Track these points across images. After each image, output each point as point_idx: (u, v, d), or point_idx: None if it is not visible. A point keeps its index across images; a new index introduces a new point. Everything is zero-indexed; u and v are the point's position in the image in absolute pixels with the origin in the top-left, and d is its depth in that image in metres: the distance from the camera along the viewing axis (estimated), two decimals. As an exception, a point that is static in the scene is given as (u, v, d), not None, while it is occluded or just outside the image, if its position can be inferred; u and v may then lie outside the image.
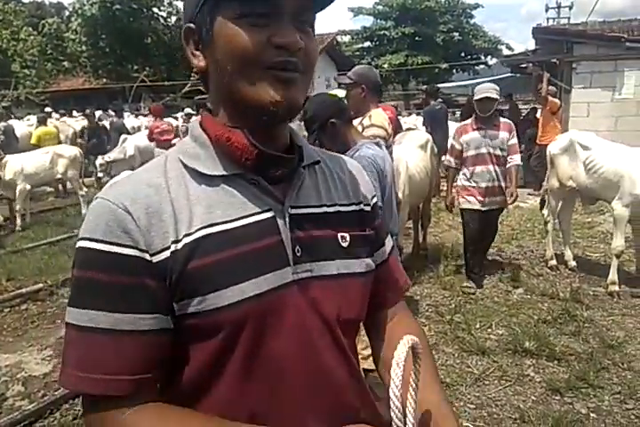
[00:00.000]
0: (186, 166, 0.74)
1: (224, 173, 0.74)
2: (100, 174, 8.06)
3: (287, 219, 0.74)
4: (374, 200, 0.91)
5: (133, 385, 0.68)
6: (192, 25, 0.74)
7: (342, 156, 0.95)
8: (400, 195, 3.70)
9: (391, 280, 0.93)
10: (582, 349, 3.22)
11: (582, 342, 3.32)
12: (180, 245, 0.69)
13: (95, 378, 0.67)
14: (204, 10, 0.71)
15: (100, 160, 8.10)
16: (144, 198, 0.70)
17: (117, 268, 0.68)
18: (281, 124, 0.76)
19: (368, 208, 0.88)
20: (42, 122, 9.56)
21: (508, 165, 4.18)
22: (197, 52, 0.75)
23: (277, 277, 0.72)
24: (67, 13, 24.56)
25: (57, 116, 13.65)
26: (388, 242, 0.95)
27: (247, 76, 0.70)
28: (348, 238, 0.80)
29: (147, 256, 0.68)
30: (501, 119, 4.19)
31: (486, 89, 4.01)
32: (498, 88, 4.06)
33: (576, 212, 5.71)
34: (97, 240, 0.68)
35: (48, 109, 12.60)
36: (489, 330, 3.52)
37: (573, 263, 4.66)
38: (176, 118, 10.55)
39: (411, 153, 4.39)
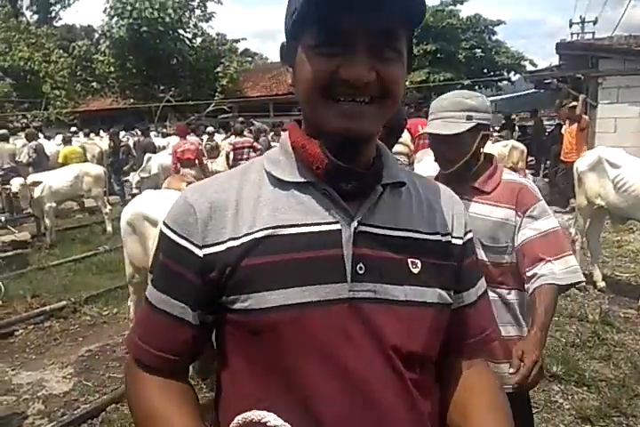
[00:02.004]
0: (266, 171, 0.78)
1: (297, 179, 0.75)
2: (135, 191, 8.16)
3: (353, 234, 0.72)
4: (469, 236, 0.86)
5: (156, 359, 0.77)
6: (285, 43, 0.78)
7: (445, 187, 0.90)
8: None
9: (475, 326, 0.86)
10: (613, 374, 3.09)
11: (613, 367, 3.19)
12: (237, 243, 0.72)
13: (135, 342, 0.79)
14: (291, 32, 0.73)
15: (137, 177, 8.23)
16: (212, 194, 0.76)
17: (170, 253, 0.77)
18: (355, 144, 0.75)
19: (458, 242, 0.83)
20: (67, 142, 9.89)
21: (530, 287, 1.58)
22: (290, 69, 0.76)
23: (330, 290, 0.70)
24: (96, 36, 25.43)
25: (91, 134, 14.03)
26: (481, 285, 0.88)
27: (314, 103, 0.71)
28: (419, 265, 0.76)
29: (196, 250, 0.74)
30: (509, 176, 1.69)
31: (443, 109, 1.65)
32: (485, 101, 1.67)
33: (604, 230, 5.55)
34: (167, 226, 0.78)
35: (73, 129, 12.95)
36: (515, 353, 3.41)
37: (602, 284, 4.52)
38: (202, 139, 10.76)
39: (431, 170, 4.32)
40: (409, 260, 0.75)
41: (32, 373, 3.50)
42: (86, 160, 9.53)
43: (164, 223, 0.78)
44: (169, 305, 0.76)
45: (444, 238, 0.81)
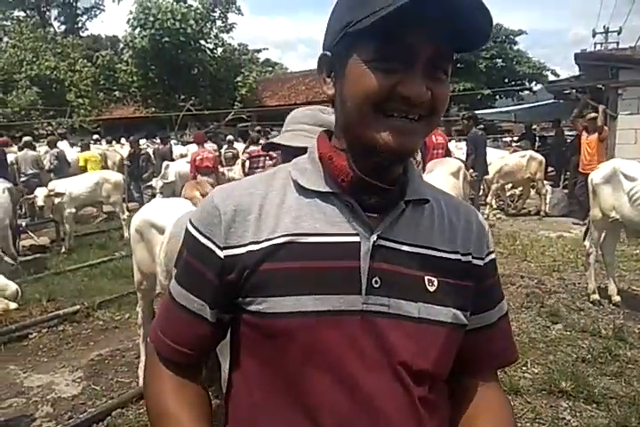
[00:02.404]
0: (292, 178, 0.79)
1: (322, 189, 0.76)
2: (159, 196, 8.31)
3: (371, 247, 0.73)
4: (491, 257, 0.85)
5: (172, 351, 0.80)
6: (328, 53, 0.76)
7: (469, 205, 0.91)
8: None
9: (492, 348, 0.85)
10: (624, 392, 3.01)
11: (625, 384, 3.10)
12: (258, 247, 0.73)
13: (156, 332, 0.83)
14: (341, 43, 0.72)
15: (160, 182, 8.39)
16: (237, 197, 0.77)
17: (194, 251, 0.79)
18: (391, 163, 0.75)
19: (479, 262, 0.82)
20: (85, 148, 10.32)
21: None
22: (328, 80, 0.77)
23: (343, 301, 0.71)
24: (120, 46, 26.00)
25: (112, 142, 14.40)
26: (502, 306, 0.87)
27: (365, 117, 0.71)
28: (435, 283, 0.75)
29: (217, 251, 0.75)
30: None
31: (296, 121, 1.52)
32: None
33: (622, 243, 5.44)
34: (192, 224, 0.80)
35: (95, 137, 13.37)
36: (523, 368, 3.34)
37: (617, 298, 4.42)
38: (220, 147, 10.92)
39: (441, 181, 4.31)
40: (426, 277, 0.75)
41: (43, 376, 3.56)
42: (106, 166, 9.72)
43: (190, 222, 0.80)
44: (188, 301, 0.78)
45: (464, 258, 0.80)
